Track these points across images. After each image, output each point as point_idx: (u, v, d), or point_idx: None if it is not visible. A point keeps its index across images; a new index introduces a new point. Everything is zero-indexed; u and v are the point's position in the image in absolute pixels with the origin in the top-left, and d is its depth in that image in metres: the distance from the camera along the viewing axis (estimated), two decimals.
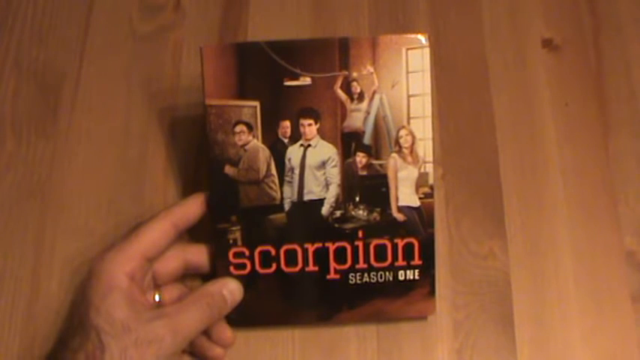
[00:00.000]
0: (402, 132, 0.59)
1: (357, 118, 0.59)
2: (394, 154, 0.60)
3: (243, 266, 0.60)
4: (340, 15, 0.74)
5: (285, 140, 0.59)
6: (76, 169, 0.67)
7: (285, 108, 0.59)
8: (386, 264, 0.61)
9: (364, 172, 0.60)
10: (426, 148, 0.60)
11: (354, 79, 0.59)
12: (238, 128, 0.58)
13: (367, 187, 0.60)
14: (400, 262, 0.61)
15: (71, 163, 0.68)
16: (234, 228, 0.59)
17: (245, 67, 0.58)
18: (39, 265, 0.64)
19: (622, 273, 0.66)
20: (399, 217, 0.60)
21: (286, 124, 0.59)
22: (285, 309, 0.61)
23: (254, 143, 0.59)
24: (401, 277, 0.61)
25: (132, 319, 0.52)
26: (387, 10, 0.75)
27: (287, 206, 0.60)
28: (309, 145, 0.59)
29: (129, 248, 0.56)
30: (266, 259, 0.60)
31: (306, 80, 0.58)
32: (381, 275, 0.61)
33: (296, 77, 0.58)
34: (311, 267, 0.60)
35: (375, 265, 0.60)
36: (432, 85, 0.60)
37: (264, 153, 0.59)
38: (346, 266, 0.60)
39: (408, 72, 0.59)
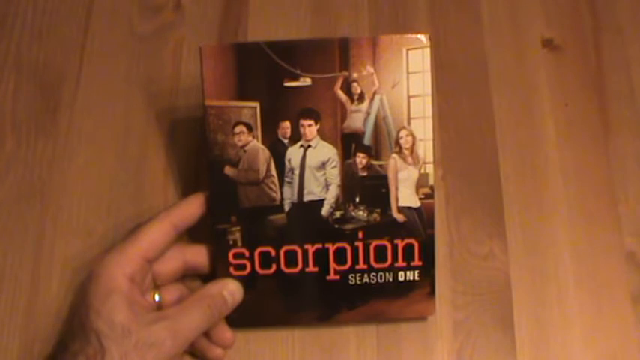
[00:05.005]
0: (403, 133, 0.59)
1: (358, 118, 0.59)
2: (394, 155, 0.60)
3: (243, 267, 0.60)
4: (340, 15, 0.74)
5: (285, 141, 0.59)
6: (76, 169, 0.67)
7: (285, 109, 0.59)
8: (386, 265, 0.61)
9: (364, 173, 0.60)
10: (426, 149, 0.60)
11: (355, 80, 0.59)
12: (238, 129, 0.58)
13: (367, 187, 0.60)
14: (400, 263, 0.61)
15: (71, 163, 0.68)
16: (233, 229, 0.59)
17: (245, 68, 0.58)
18: (39, 265, 0.64)
19: (622, 273, 0.66)
20: (399, 217, 0.60)
21: (286, 125, 0.59)
22: (285, 309, 0.61)
23: (254, 144, 0.59)
24: (401, 278, 0.61)
25: (132, 321, 0.52)
26: (387, 10, 0.75)
27: (287, 207, 0.60)
28: (309, 146, 0.59)
29: (128, 250, 0.56)
30: (266, 260, 0.60)
31: (306, 81, 0.58)
32: (381, 276, 0.61)
33: (296, 78, 0.58)
34: (311, 267, 0.60)
35: (375, 265, 0.61)
36: (432, 86, 0.59)
37: (263, 154, 0.59)
38: (346, 267, 0.60)
39: (408, 72, 0.59)
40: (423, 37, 0.59)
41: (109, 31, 0.73)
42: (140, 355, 0.51)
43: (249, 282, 0.60)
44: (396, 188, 0.60)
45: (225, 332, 0.60)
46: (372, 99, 0.59)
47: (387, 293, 0.61)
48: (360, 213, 0.60)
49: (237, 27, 0.74)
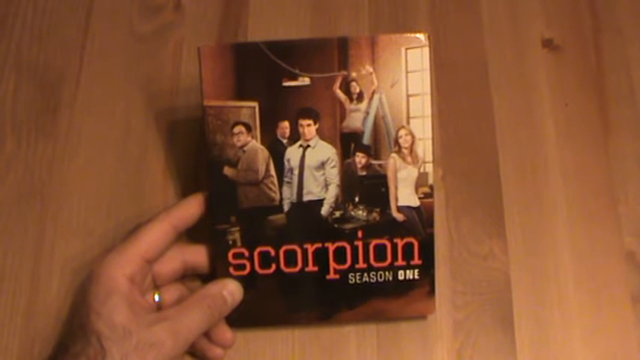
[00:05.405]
0: (402, 132, 0.59)
1: (357, 118, 0.59)
2: (394, 154, 0.60)
3: (242, 267, 0.60)
4: (340, 15, 0.74)
5: (284, 141, 0.59)
6: (76, 169, 0.67)
7: (284, 108, 0.59)
8: (385, 264, 0.61)
9: (364, 173, 0.60)
10: (425, 148, 0.60)
11: (353, 79, 0.59)
12: (237, 129, 0.58)
13: (367, 187, 0.60)
14: (400, 262, 0.61)
15: (71, 163, 0.68)
16: (233, 229, 0.59)
17: (243, 68, 0.58)
18: (39, 265, 0.64)
19: (622, 273, 0.66)
20: (399, 217, 0.60)
21: (285, 125, 0.59)
22: (285, 309, 0.61)
23: (253, 144, 0.59)
24: (401, 277, 0.61)
25: (132, 323, 0.52)
26: (387, 10, 0.75)
27: (286, 207, 0.60)
28: (308, 146, 0.59)
29: (128, 251, 0.56)
30: (265, 260, 0.60)
31: (304, 80, 0.58)
32: (380, 275, 0.61)
33: (295, 77, 0.58)
34: (310, 267, 0.60)
35: (375, 265, 0.60)
36: (431, 85, 0.59)
37: (263, 154, 0.59)
38: (346, 266, 0.60)
39: (407, 71, 0.59)
40: (421, 36, 0.59)
41: (109, 31, 0.73)
42: (141, 356, 0.51)
43: (248, 282, 0.60)
44: (396, 187, 0.60)
45: (225, 332, 0.60)
46: (371, 98, 0.59)
47: (387, 292, 0.61)
48: (360, 212, 0.60)
49: (237, 27, 0.74)
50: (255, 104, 0.58)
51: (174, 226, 0.58)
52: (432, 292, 0.62)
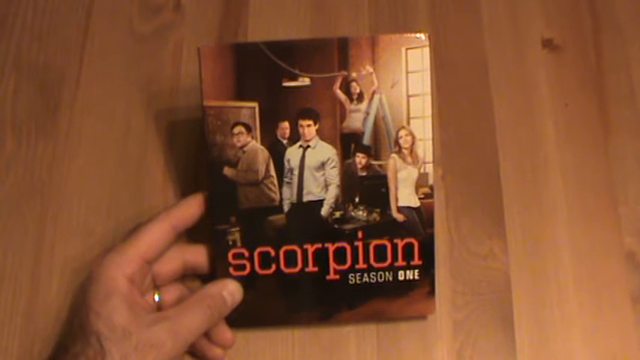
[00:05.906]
0: (402, 132, 0.59)
1: (357, 118, 0.59)
2: (394, 155, 0.60)
3: (242, 267, 0.60)
4: (340, 15, 0.74)
5: (284, 141, 0.59)
6: (76, 170, 0.67)
7: (284, 109, 0.58)
8: (386, 264, 0.61)
9: (364, 173, 0.60)
10: (425, 149, 0.60)
11: (354, 80, 0.59)
12: (237, 129, 0.58)
13: (367, 187, 0.60)
14: (400, 262, 0.61)
15: (71, 163, 0.68)
16: (233, 229, 0.59)
17: (243, 68, 0.58)
18: (39, 266, 0.64)
19: (622, 273, 0.66)
20: (399, 217, 0.60)
21: (285, 125, 0.59)
22: (285, 309, 0.61)
23: (253, 144, 0.59)
24: (401, 277, 0.61)
25: (132, 323, 0.52)
26: (387, 10, 0.75)
27: (286, 207, 0.60)
28: (308, 146, 0.59)
29: (128, 251, 0.56)
30: (265, 260, 0.60)
31: (304, 81, 0.58)
32: (380, 275, 0.61)
33: (295, 78, 0.58)
34: (311, 267, 0.60)
35: (375, 265, 0.60)
36: (431, 85, 0.59)
37: (262, 154, 0.59)
38: (346, 266, 0.60)
39: (407, 72, 0.59)
40: (422, 36, 0.59)
41: (109, 31, 0.73)
42: (140, 357, 0.51)
43: (248, 282, 0.60)
44: (396, 188, 0.60)
45: (225, 333, 0.60)
46: (371, 99, 0.59)
47: (387, 293, 0.61)
48: (360, 213, 0.60)
49: (237, 27, 0.74)
50: (255, 104, 0.58)
51: (174, 226, 0.58)
52: (432, 292, 0.62)
